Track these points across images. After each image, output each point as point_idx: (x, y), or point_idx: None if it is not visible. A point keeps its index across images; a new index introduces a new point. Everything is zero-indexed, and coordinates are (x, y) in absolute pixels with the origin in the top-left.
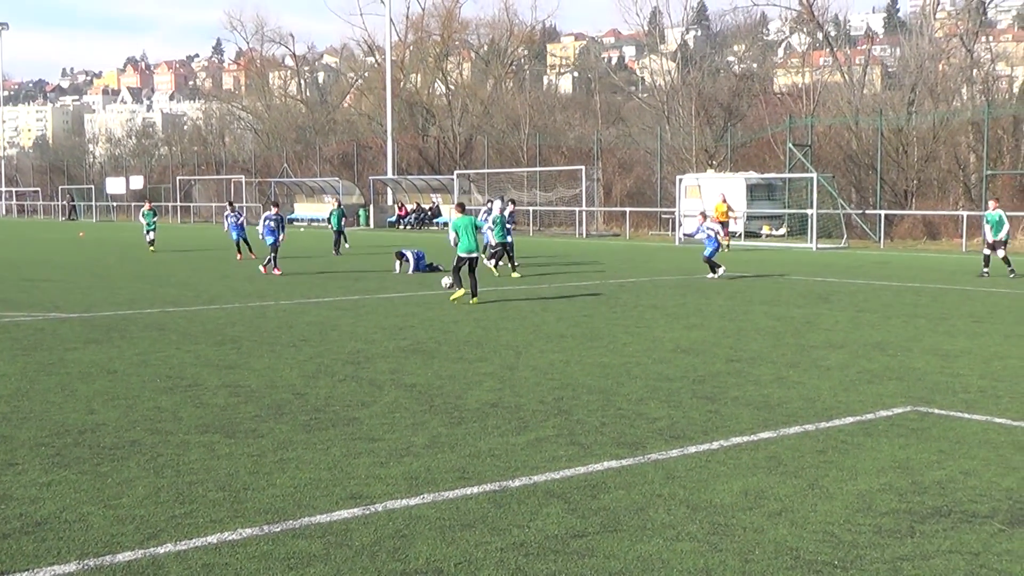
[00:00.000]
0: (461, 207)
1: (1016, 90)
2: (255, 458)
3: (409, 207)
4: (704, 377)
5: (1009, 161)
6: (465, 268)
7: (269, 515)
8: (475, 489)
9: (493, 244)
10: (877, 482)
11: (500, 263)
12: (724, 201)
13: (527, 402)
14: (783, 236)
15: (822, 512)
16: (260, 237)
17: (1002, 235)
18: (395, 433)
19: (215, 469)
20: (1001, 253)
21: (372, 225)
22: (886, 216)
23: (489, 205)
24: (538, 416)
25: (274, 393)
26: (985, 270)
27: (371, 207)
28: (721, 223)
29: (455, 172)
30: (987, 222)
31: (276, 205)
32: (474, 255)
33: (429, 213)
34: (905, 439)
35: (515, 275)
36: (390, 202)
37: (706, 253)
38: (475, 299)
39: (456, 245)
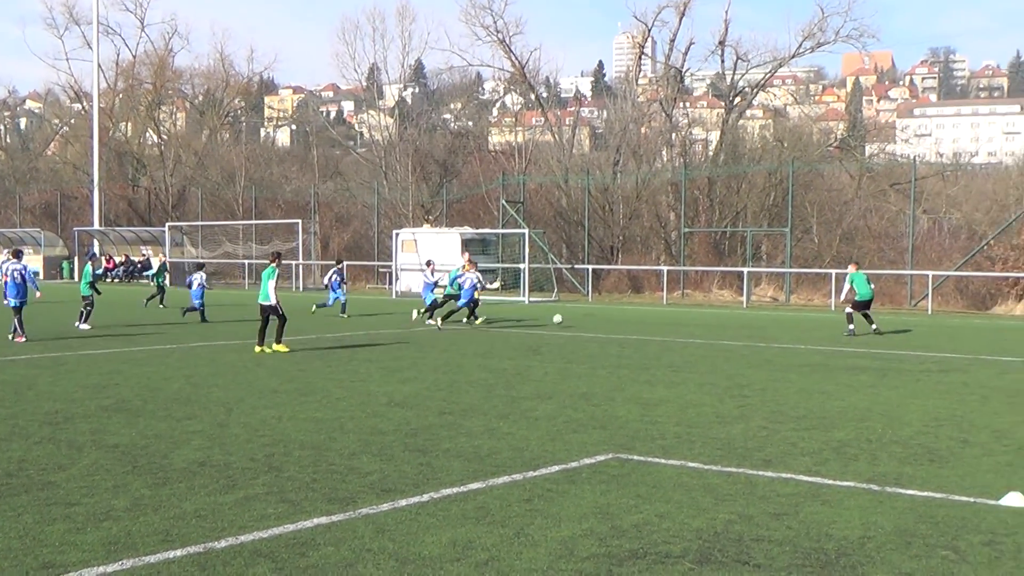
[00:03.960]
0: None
1: (710, 153)
2: None
3: (117, 259)
4: (417, 430)
5: (704, 219)
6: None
7: None
8: (178, 552)
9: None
10: (579, 528)
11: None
12: (469, 260)
13: (237, 460)
14: (497, 290)
15: (527, 560)
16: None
17: (850, 295)
18: (94, 497)
19: None
20: (848, 309)
21: (77, 278)
22: (594, 271)
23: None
24: (248, 474)
25: None
26: (851, 328)
27: (76, 259)
28: None
29: (167, 224)
30: (852, 282)
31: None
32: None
33: (139, 266)
34: (606, 485)
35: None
36: (97, 253)
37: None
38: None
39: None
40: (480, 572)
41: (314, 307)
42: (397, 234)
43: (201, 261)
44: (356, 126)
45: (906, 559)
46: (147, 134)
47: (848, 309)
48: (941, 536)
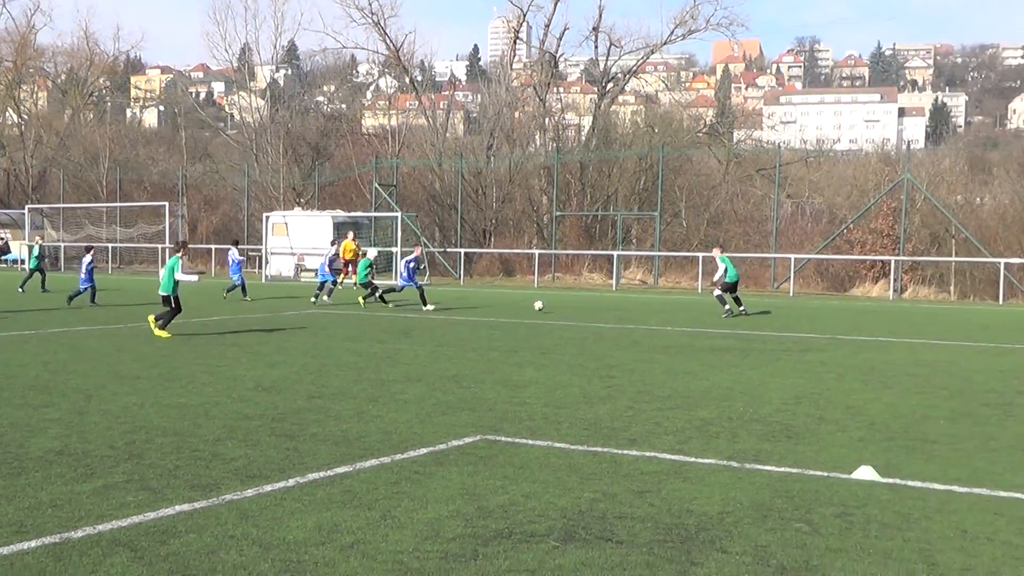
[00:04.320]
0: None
1: (583, 138)
2: None
3: None
4: (284, 415)
5: (576, 203)
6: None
7: None
8: (33, 543)
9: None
10: (446, 509)
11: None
12: (353, 239)
13: (96, 448)
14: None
15: (393, 542)
16: None
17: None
18: None
19: None
20: (717, 292)
21: None
22: (466, 254)
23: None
24: (107, 462)
25: None
26: (727, 308)
27: None
28: (348, 261)
29: (27, 206)
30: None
31: None
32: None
33: None
34: (474, 467)
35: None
36: None
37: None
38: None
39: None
40: (345, 555)
41: (247, 298)
42: (268, 217)
43: (90, 244)
44: (227, 108)
45: (762, 532)
46: (7, 113)
47: (717, 292)
48: (796, 509)
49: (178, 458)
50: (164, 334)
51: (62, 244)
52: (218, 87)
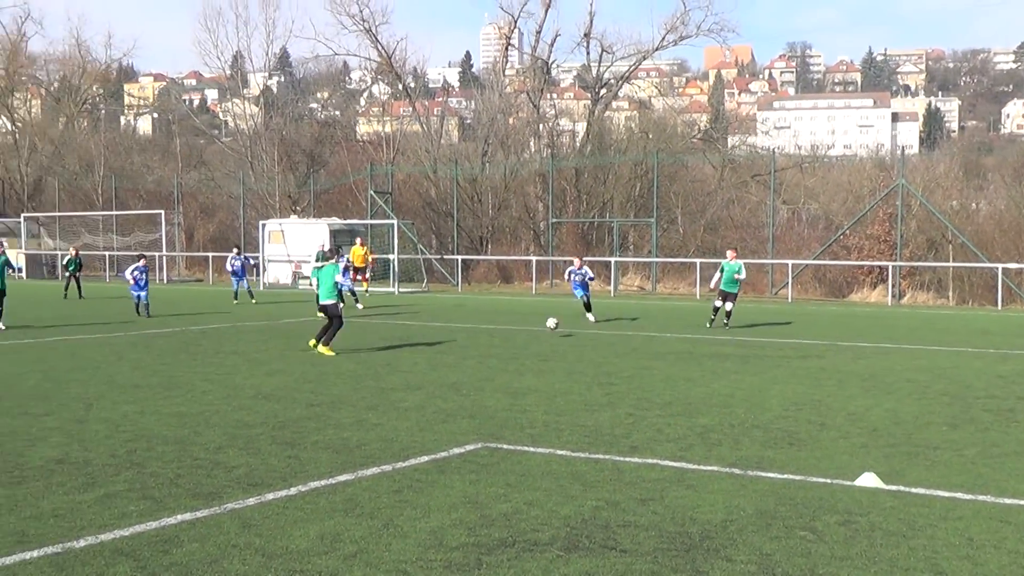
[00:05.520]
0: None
1: (577, 144)
2: None
3: None
4: (285, 423)
5: (572, 210)
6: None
7: None
8: (35, 553)
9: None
10: (448, 518)
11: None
12: (363, 245)
13: (96, 456)
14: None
15: (396, 551)
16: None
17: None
18: None
19: None
20: (729, 306)
21: None
22: (463, 261)
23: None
24: (108, 471)
25: None
26: (712, 318)
27: None
28: (359, 268)
29: (22, 215)
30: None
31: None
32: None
33: None
34: (476, 474)
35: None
36: None
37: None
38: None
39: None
40: (348, 564)
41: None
42: (264, 225)
43: (141, 253)
44: (220, 115)
45: (766, 540)
46: (0, 122)
47: (717, 302)
48: (800, 517)
49: (179, 466)
50: (329, 351)
51: (59, 253)
52: (211, 94)
